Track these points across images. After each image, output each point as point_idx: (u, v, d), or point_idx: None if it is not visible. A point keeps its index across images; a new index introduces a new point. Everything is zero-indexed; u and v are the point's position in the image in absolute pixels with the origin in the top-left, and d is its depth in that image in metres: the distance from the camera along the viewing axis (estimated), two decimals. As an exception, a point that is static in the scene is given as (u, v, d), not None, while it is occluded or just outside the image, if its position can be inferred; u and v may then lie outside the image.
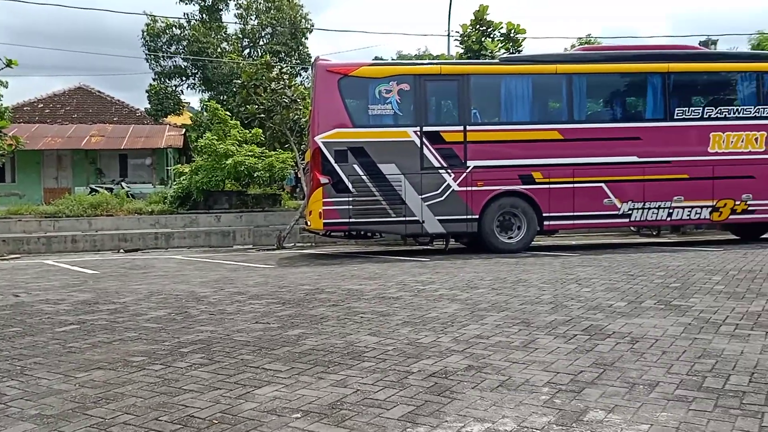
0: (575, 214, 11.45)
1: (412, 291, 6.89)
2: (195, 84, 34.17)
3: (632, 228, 14.73)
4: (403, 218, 11.01)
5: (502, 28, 17.84)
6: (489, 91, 11.76)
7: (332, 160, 10.84)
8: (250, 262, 11.35)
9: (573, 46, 20.91)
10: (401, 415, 3.00)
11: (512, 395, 3.25)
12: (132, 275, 9.47)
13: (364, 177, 10.88)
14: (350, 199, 10.86)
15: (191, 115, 32.77)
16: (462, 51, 17.92)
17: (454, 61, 16.41)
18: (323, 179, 10.86)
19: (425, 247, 13.13)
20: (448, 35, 19.45)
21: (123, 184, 23.21)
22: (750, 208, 11.72)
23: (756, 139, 11.61)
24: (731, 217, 11.79)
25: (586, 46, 18.81)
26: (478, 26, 17.73)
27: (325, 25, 76.96)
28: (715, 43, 20.93)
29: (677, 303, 5.74)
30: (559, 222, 11.58)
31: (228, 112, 20.32)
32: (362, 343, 4.48)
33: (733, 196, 11.62)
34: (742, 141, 11.60)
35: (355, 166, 10.87)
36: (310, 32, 34.78)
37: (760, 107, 11.68)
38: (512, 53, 17.09)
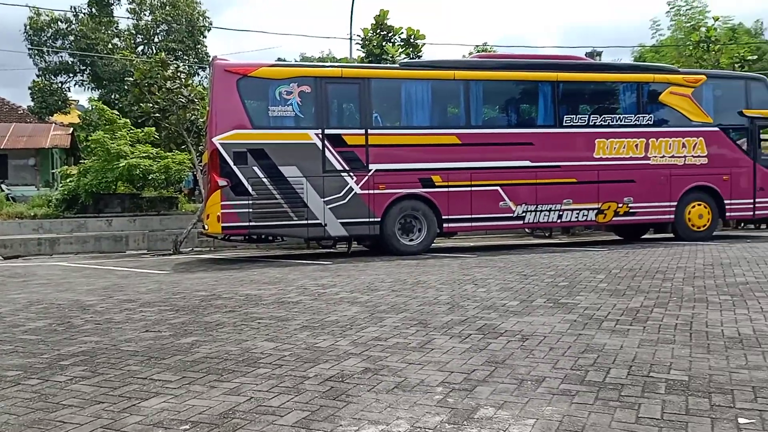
0: (473, 216, 11.78)
1: (313, 295, 6.83)
2: (84, 81, 32.34)
3: (526, 230, 15.36)
4: (305, 221, 10.91)
5: (402, 33, 18.12)
6: (390, 95, 11.90)
7: (231, 162, 10.57)
8: (143, 268, 10.86)
9: (471, 53, 21.62)
10: (295, 421, 2.95)
11: (407, 396, 3.27)
12: (10, 284, 8.80)
13: (264, 179, 10.69)
14: (250, 202, 10.63)
15: (80, 113, 30.99)
16: (363, 55, 18.03)
17: (355, 64, 16.46)
18: (221, 182, 10.56)
19: (328, 251, 13.09)
20: (350, 39, 19.59)
21: (2, 186, 21.56)
22: (631, 211, 12.52)
23: (636, 146, 12.43)
24: (614, 218, 12.55)
25: (482, 53, 19.51)
26: (379, 31, 17.91)
27: (226, 24, 75.14)
28: (600, 54, 22.32)
29: (565, 301, 6.02)
30: (457, 224, 11.88)
31: (117, 112, 19.36)
32: (258, 349, 4.37)
33: (616, 199, 12.38)
34: (624, 147, 12.39)
35: (255, 169, 10.65)
36: (209, 30, 33.88)
37: (639, 116, 12.53)
38: (412, 58, 17.40)
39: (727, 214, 13.11)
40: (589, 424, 2.84)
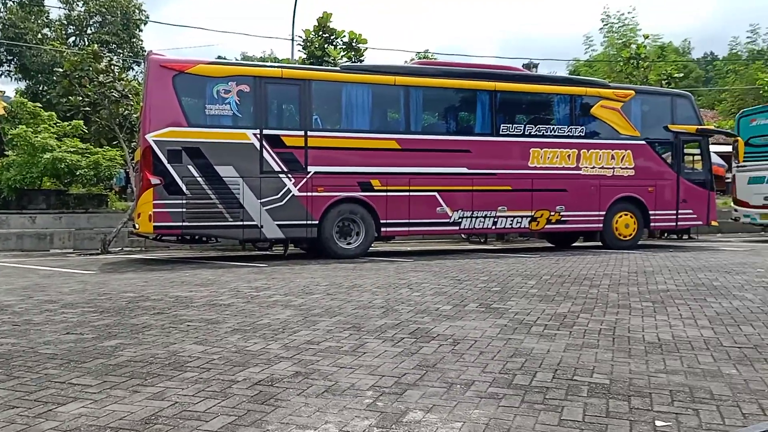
0: (411, 221, 11.87)
1: (246, 297, 6.71)
2: (11, 72, 30.83)
3: (462, 235, 15.58)
4: (241, 222, 10.73)
5: (344, 36, 18.11)
6: (330, 97, 11.86)
7: (165, 160, 10.28)
8: (68, 267, 10.41)
9: (412, 59, 21.83)
10: (221, 426, 2.88)
11: (337, 400, 3.25)
12: None
13: (199, 179, 10.45)
14: (184, 201, 10.36)
15: (5, 105, 29.51)
16: (305, 56, 17.92)
17: (296, 65, 16.33)
18: (154, 180, 10.26)
19: (264, 253, 12.91)
20: (292, 39, 19.45)
21: None
22: (563, 219, 12.90)
23: (569, 156, 12.83)
24: (547, 226, 12.90)
25: (423, 60, 19.76)
26: (321, 33, 17.85)
27: (164, 19, 73.25)
28: (536, 66, 22.99)
29: (496, 306, 6.14)
30: (395, 228, 11.94)
31: (40, 105, 18.53)
32: (186, 353, 4.26)
33: (548, 207, 12.73)
34: (557, 157, 12.77)
35: (190, 167, 10.40)
36: (145, 24, 32.91)
37: (572, 127, 12.94)
38: (354, 62, 17.41)
39: (652, 224, 13.68)
40: (514, 427, 2.89)
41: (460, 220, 12.20)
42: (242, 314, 5.71)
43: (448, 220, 12.14)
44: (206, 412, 3.08)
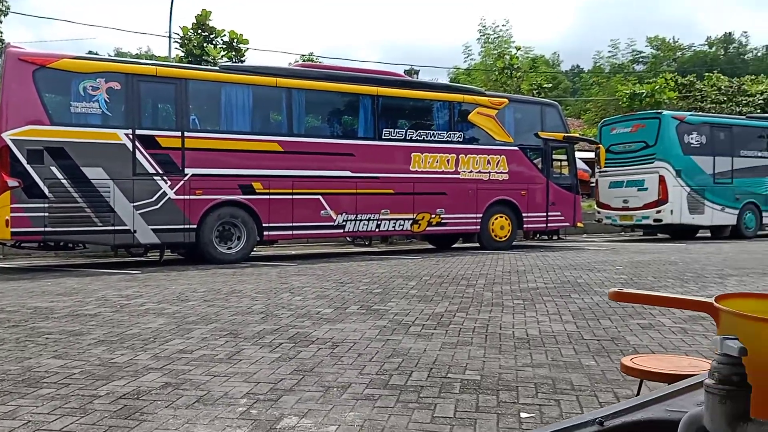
0: (294, 224, 11.74)
1: (114, 306, 6.33)
2: None
3: (347, 238, 15.65)
4: (112, 227, 10.11)
5: (224, 35, 17.64)
6: (209, 98, 11.50)
7: (24, 161, 9.49)
8: None
9: (296, 61, 21.66)
10: (78, 446, 2.68)
11: (208, 410, 3.13)
12: None
13: (64, 181, 9.73)
14: (46, 205, 9.61)
15: None
16: (183, 54, 17.26)
17: (172, 63, 15.69)
18: (11, 182, 9.43)
19: (138, 259, 12.25)
20: (170, 37, 18.62)
21: None
22: (443, 221, 13.30)
23: (448, 161, 13.25)
24: (428, 228, 13.24)
25: (306, 62, 19.66)
26: (200, 31, 17.26)
27: (29, 10, 67.89)
28: (417, 72, 23.58)
29: (377, 307, 6.20)
30: (278, 232, 11.76)
31: None
32: (43, 368, 3.94)
33: (429, 210, 13.07)
34: (437, 161, 13.15)
35: (53, 169, 9.66)
36: (5, 15, 30.24)
37: (451, 132, 13.38)
38: (235, 62, 17.01)
39: (525, 225, 14.44)
40: (388, 427, 2.92)
41: (344, 223, 12.24)
42: (109, 324, 5.37)
43: (332, 223, 12.13)
44: (63, 430, 2.85)
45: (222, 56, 16.89)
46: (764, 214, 17.63)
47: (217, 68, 12.21)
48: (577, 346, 4.59)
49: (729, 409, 0.64)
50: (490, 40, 28.29)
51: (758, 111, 29.67)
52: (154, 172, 10.42)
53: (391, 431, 2.86)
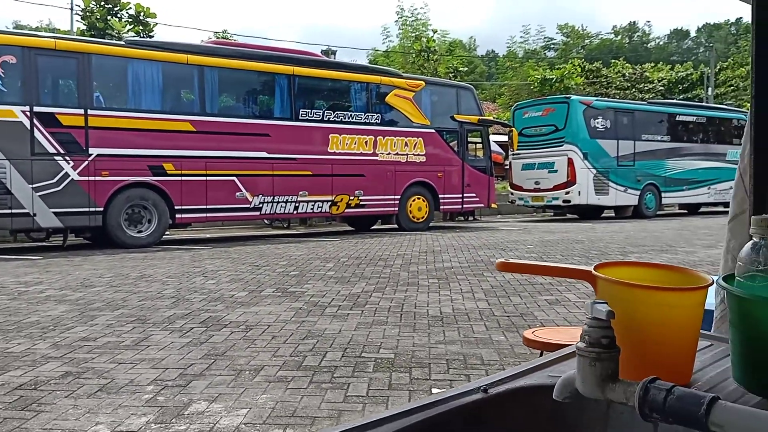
0: (208, 207, 11.42)
1: (11, 294, 5.96)
2: None
3: (265, 221, 15.42)
4: (9, 210, 9.48)
5: (130, 8, 16.78)
6: (114, 74, 10.92)
7: None
8: None
9: (209, 38, 20.95)
10: (-34, 442, 2.51)
11: (112, 399, 3.01)
12: None
13: (-47, 161, 9.04)
14: (-66, 187, 8.91)
15: None
16: (85, 28, 16.31)
17: (73, 36, 14.79)
18: None
19: (40, 244, 11.58)
20: (71, 9, 17.50)
21: None
22: (362, 203, 13.32)
23: (366, 142, 13.26)
24: (347, 210, 13.23)
25: (220, 40, 19.06)
26: (103, 3, 16.34)
27: None
28: (334, 53, 23.35)
29: (293, 290, 6.15)
30: (192, 215, 11.41)
31: None
32: (-73, 362, 3.66)
33: (348, 191, 13.06)
34: (355, 143, 13.12)
35: (-58, 148, 8.95)
36: None
37: (369, 114, 13.38)
38: (143, 37, 16.25)
39: (441, 207, 14.69)
40: (301, 408, 2.91)
41: (260, 205, 12.02)
42: (5, 312, 5.05)
43: (248, 206, 11.89)
44: (-52, 427, 2.66)
45: (128, 30, 16.07)
46: (663, 194, 18.75)
47: (122, 43, 11.60)
48: (488, 322, 4.74)
49: (599, 370, 0.66)
50: (408, 22, 28.49)
51: (659, 97, 31.45)
52: (55, 151, 9.83)
53: (303, 412, 2.85)
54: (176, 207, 11.02)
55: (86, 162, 10.07)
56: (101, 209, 10.23)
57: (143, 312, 5.08)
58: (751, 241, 0.85)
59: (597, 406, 0.84)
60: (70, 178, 9.93)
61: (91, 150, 10.12)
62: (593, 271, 0.86)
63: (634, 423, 0.81)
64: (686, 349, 0.84)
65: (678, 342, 0.82)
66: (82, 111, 10.10)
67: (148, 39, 15.20)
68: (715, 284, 0.88)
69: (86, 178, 10.07)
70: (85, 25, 16.32)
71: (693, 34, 76.11)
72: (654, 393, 0.61)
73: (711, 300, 1.24)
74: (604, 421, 0.83)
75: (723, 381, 0.88)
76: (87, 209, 10.11)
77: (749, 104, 1.20)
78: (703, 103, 27.76)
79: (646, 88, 34.44)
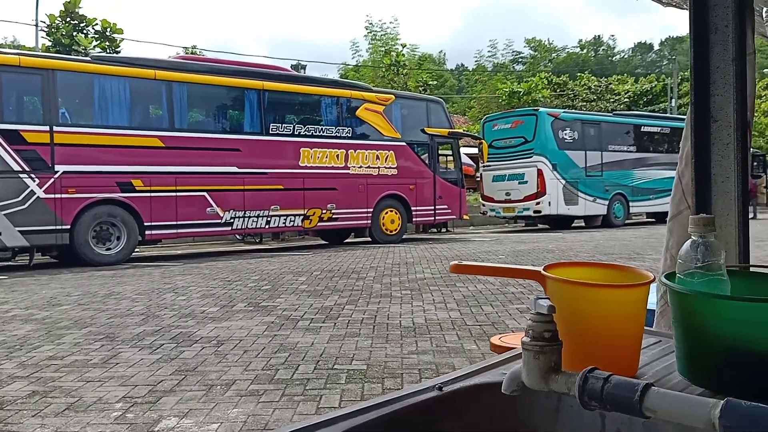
0: (179, 223, 11.33)
1: (-25, 315, 5.83)
2: None
3: (237, 236, 15.31)
4: (-28, 230, 9.29)
5: (96, 24, 16.62)
6: (80, 90, 10.78)
7: None
8: None
9: (178, 53, 20.81)
10: (-73, 466, 2.46)
11: (80, 417, 2.97)
12: None
13: None
14: None
15: None
16: (50, 44, 16.11)
17: (37, 53, 14.60)
18: None
19: (6, 264, 11.33)
20: (36, 25, 17.22)
21: None
22: (334, 216, 13.32)
23: (338, 156, 13.29)
24: (320, 224, 13.22)
25: (188, 55, 18.97)
26: (69, 19, 16.17)
27: None
28: (304, 67, 23.43)
29: (265, 304, 6.12)
30: (162, 231, 11.29)
31: None
32: None
33: (320, 205, 13.05)
34: (327, 157, 13.15)
35: None
36: None
37: (340, 128, 13.42)
38: (109, 53, 16.11)
39: (414, 219, 14.77)
40: (273, 421, 2.90)
41: (232, 220, 11.96)
42: (-31, 334, 4.94)
43: (219, 221, 11.81)
44: None
45: (94, 46, 15.91)
46: (631, 204, 19.11)
47: (88, 59, 11.48)
48: (460, 331, 4.78)
49: (542, 363, 0.70)
50: (377, 37, 28.73)
51: (624, 108, 32.12)
52: (20, 169, 9.67)
53: (275, 425, 2.85)
54: (146, 223, 10.91)
55: (52, 179, 9.92)
56: (68, 227, 10.07)
57: (112, 329, 5.01)
58: (690, 240, 0.90)
59: (547, 401, 0.88)
60: (35, 196, 9.76)
61: (57, 167, 9.97)
62: (542, 271, 0.90)
63: (582, 417, 0.85)
64: (629, 342, 0.88)
65: (620, 335, 0.86)
66: (47, 128, 9.96)
67: (114, 55, 15.08)
68: (656, 282, 0.93)
69: (52, 196, 9.91)
70: (50, 41, 16.11)
71: (656, 47, 77.99)
72: (592, 382, 0.64)
73: (653, 299, 1.29)
74: (554, 415, 0.87)
75: (668, 374, 0.93)
76: (53, 227, 9.94)
77: (688, 109, 1.26)
78: (667, 114, 28.44)
79: (612, 99, 35.15)
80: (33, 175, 9.76)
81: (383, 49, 26.49)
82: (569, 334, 0.76)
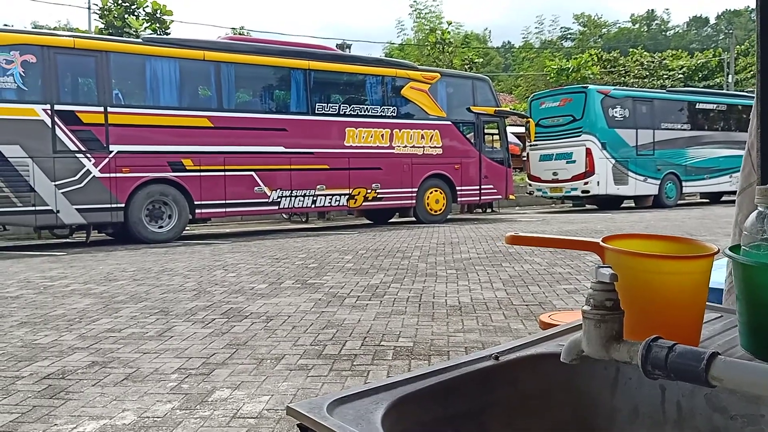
0: (227, 202, 11.55)
1: (37, 288, 6.10)
2: None
3: (284, 215, 15.53)
4: (33, 208, 9.68)
5: (147, 6, 16.93)
6: (133, 71, 11.04)
7: (-66, 139, 8.93)
8: None
9: (226, 34, 21.05)
10: (1, 425, 2.60)
11: (137, 387, 3.09)
12: None
13: (-21, 160, 9.23)
14: (-39, 185, 9.10)
15: None
16: (103, 26, 16.50)
17: (91, 35, 14.97)
18: None
19: (64, 240, 11.80)
20: (89, 8, 17.71)
21: None
22: (379, 196, 13.36)
23: (382, 135, 13.29)
24: (364, 203, 13.29)
25: (235, 36, 19.16)
26: (120, 1, 16.52)
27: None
28: (349, 47, 23.38)
29: (312, 281, 6.21)
30: (211, 210, 11.54)
31: None
32: (-40, 353, 3.77)
33: (365, 185, 13.10)
34: (372, 136, 13.16)
35: (-33, 147, 9.14)
36: None
37: (385, 107, 13.40)
38: (160, 35, 16.40)
39: (459, 199, 14.68)
40: (321, 394, 2.95)
41: (279, 199, 12.12)
42: (32, 306, 5.18)
43: (266, 200, 12.00)
44: (-19, 414, 2.75)
45: (145, 28, 16.23)
46: (684, 183, 18.55)
47: (140, 41, 11.73)
48: (507, 311, 4.75)
49: (603, 332, 0.69)
50: (422, 15, 28.43)
51: (679, 85, 31.05)
52: (76, 149, 10.00)
53: (323, 398, 2.90)
54: (196, 202, 11.16)
55: (107, 159, 10.23)
56: (122, 205, 10.40)
57: (166, 304, 5.17)
58: (756, 211, 0.88)
59: (606, 372, 0.87)
60: (91, 175, 10.10)
61: (111, 147, 10.28)
62: (600, 243, 0.89)
63: (642, 387, 0.84)
64: (691, 315, 0.87)
65: (682, 307, 0.85)
66: (102, 108, 10.26)
67: (165, 36, 15.34)
68: (720, 254, 0.91)
69: (107, 175, 10.23)
70: (102, 23, 16.51)
71: (713, 21, 74.94)
72: (656, 351, 0.64)
73: (722, 278, 1.26)
74: (612, 387, 0.86)
75: (731, 348, 0.91)
76: (109, 205, 10.28)
77: (756, 79, 1.22)
78: (723, 90, 27.38)
79: (665, 76, 34.00)
80: (89, 155, 10.08)
81: (428, 27, 26.20)
82: (630, 305, 0.75)
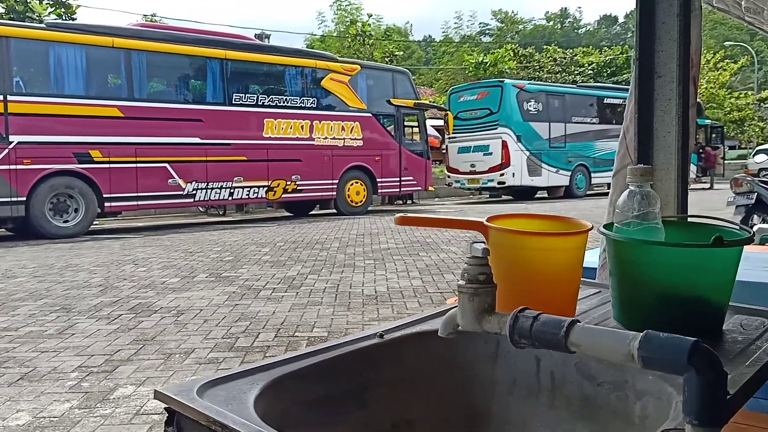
0: (139, 194, 11.10)
1: (-75, 288, 5.66)
2: None
3: (200, 208, 15.10)
4: None
5: (52, -10, 16.04)
6: (35, 58, 10.38)
7: None
8: None
9: (137, 21, 20.19)
10: None
11: (33, 386, 2.92)
12: None
13: None
14: None
15: None
16: (3, 10, 15.46)
17: (-11, 19, 14.02)
18: None
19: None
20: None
21: None
22: (299, 188, 13.23)
23: (302, 127, 13.15)
24: (284, 195, 13.12)
25: (147, 23, 18.41)
26: (21, -16, 15.56)
27: None
28: (268, 37, 22.94)
29: (227, 274, 6.08)
30: (121, 203, 11.07)
31: None
32: None
33: (284, 177, 12.94)
34: (291, 128, 13.00)
35: None
36: None
37: (304, 98, 13.25)
38: (65, 20, 15.53)
39: (379, 190, 14.75)
40: (232, 387, 2.89)
41: (194, 191, 11.77)
42: None
43: (181, 192, 11.62)
44: None
45: (49, 13, 15.32)
46: (593, 174, 19.41)
47: (43, 26, 11.06)
48: (422, 299, 4.82)
49: (476, 305, 0.71)
50: (342, 6, 28.30)
51: (589, 80, 32.42)
52: (-28, 139, 9.34)
53: (233, 391, 2.84)
54: (105, 195, 10.67)
55: (7, 150, 9.60)
56: (24, 199, 9.79)
57: (68, 301, 4.92)
58: (628, 190, 0.92)
59: (486, 347, 0.89)
60: (-12, 167, 9.45)
61: (11, 137, 9.65)
62: (484, 222, 0.91)
63: (519, 359, 0.86)
64: (567, 289, 0.90)
65: (558, 281, 0.88)
66: (0, 97, 9.61)
67: (70, 22, 14.56)
68: (593, 231, 0.95)
69: (7, 167, 9.61)
70: (3, 7, 15.45)
71: (621, 19, 78.62)
72: (522, 320, 0.65)
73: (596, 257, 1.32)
74: (492, 360, 0.88)
75: (604, 320, 0.95)
76: (8, 199, 9.65)
77: (633, 65, 1.28)
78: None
79: (577, 71, 35.42)
80: (-15, 146, 9.43)
81: (348, 19, 26.14)
82: (508, 280, 0.77)
